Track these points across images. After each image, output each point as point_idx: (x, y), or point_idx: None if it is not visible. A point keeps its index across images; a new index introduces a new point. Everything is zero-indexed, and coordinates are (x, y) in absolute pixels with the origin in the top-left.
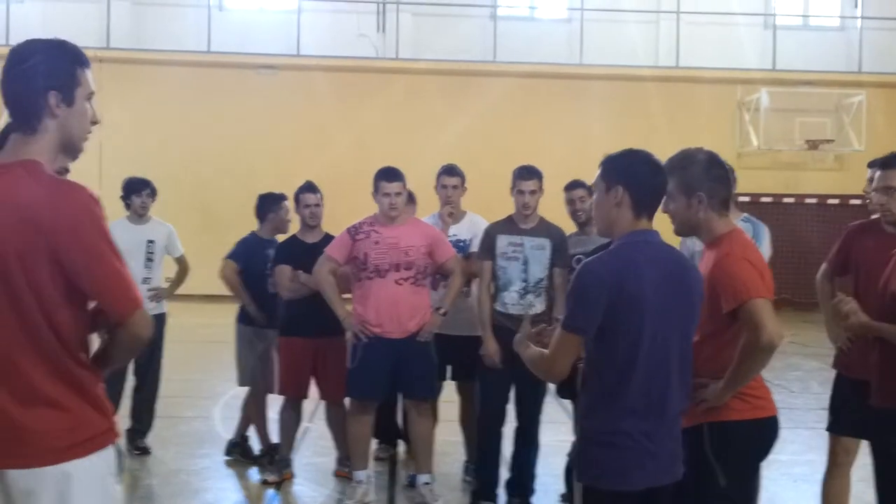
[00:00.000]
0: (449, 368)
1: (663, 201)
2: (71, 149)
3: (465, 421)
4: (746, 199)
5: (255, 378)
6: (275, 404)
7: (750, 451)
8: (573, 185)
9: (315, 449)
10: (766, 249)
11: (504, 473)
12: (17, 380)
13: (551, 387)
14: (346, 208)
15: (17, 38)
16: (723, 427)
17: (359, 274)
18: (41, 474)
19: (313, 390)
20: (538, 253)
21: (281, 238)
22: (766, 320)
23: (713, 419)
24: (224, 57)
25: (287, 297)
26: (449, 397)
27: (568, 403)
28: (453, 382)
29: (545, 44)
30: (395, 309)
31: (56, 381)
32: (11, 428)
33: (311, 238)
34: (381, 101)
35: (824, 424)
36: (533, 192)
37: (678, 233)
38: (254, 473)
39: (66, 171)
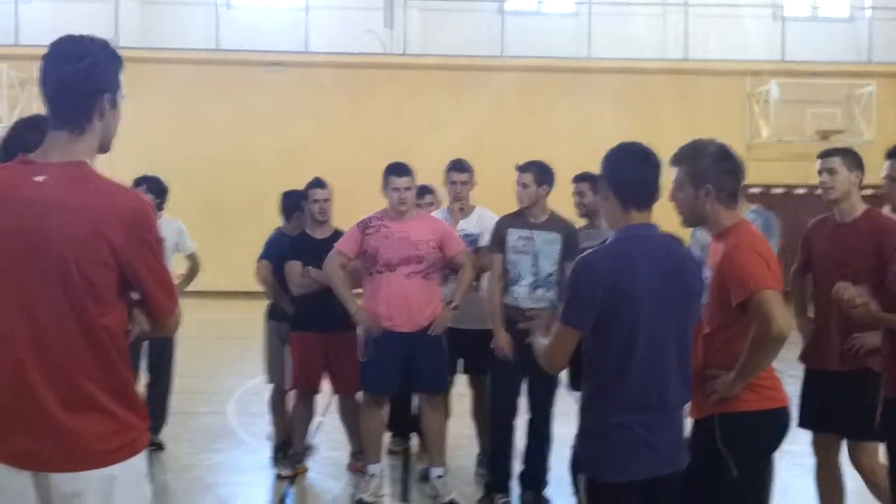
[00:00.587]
0: (461, 362)
1: (671, 191)
2: (105, 148)
3: (478, 414)
4: (757, 190)
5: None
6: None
7: (761, 441)
8: (580, 178)
9: (328, 443)
10: (775, 240)
11: (517, 466)
12: (70, 385)
13: (563, 378)
14: (354, 203)
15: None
16: (734, 418)
17: (369, 268)
18: (87, 477)
19: (326, 384)
20: (548, 247)
21: None
22: (775, 311)
23: (724, 410)
24: (232, 54)
25: (297, 293)
26: (461, 391)
27: (580, 396)
28: (465, 376)
29: (553, 38)
30: (405, 303)
31: (106, 385)
32: (59, 433)
33: (321, 234)
34: (388, 96)
35: None
36: (525, 186)
37: (685, 224)
38: (267, 468)
39: None
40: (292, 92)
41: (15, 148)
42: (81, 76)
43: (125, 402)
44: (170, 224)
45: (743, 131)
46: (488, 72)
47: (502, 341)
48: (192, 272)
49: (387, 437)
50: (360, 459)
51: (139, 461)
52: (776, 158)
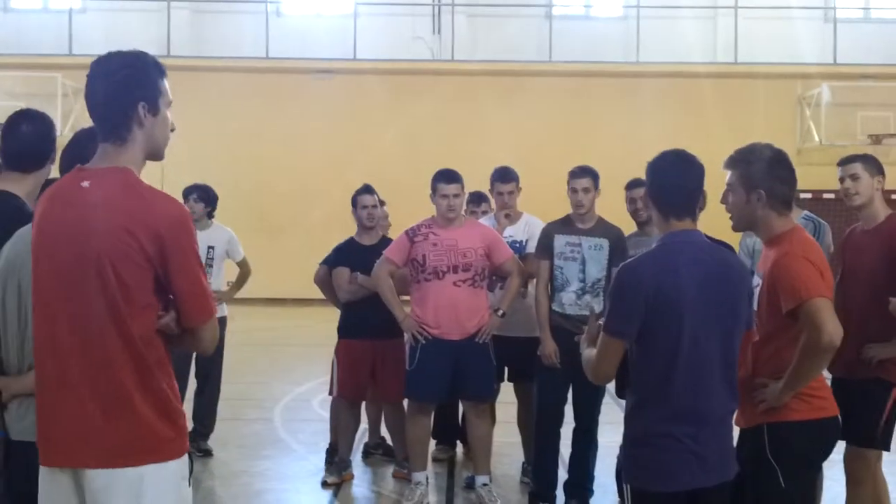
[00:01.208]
0: (506, 370)
1: (722, 193)
2: (155, 156)
3: (523, 422)
4: (808, 195)
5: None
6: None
7: (810, 451)
8: (634, 184)
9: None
10: (826, 247)
11: (562, 474)
12: (108, 386)
13: (610, 387)
14: (401, 210)
15: (79, 48)
16: (782, 427)
17: (417, 276)
18: (116, 475)
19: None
20: (596, 253)
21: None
22: (825, 320)
23: (773, 420)
24: (282, 62)
25: (345, 300)
26: (506, 398)
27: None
28: (510, 384)
29: (601, 42)
30: (453, 311)
31: (140, 390)
32: (94, 431)
33: (369, 240)
34: (436, 102)
35: None
36: (586, 191)
37: (735, 228)
38: (314, 475)
39: None
40: (340, 99)
41: (75, 158)
42: (113, 90)
43: (159, 408)
44: (221, 232)
45: (793, 136)
46: (536, 77)
47: (549, 349)
48: (242, 279)
49: (432, 444)
50: (404, 467)
51: (177, 465)
52: (827, 163)
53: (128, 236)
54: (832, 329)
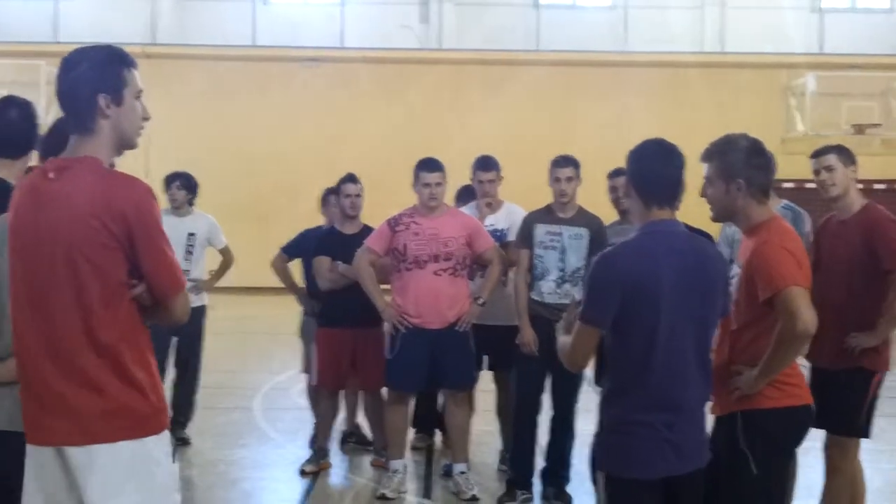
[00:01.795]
0: (485, 358)
1: (702, 186)
2: (125, 144)
3: (502, 410)
4: (791, 185)
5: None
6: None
7: (782, 439)
8: (616, 173)
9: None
10: (806, 236)
11: (540, 462)
12: (81, 364)
13: (588, 375)
14: (388, 199)
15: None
16: (755, 415)
17: (398, 265)
18: (95, 451)
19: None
20: (576, 242)
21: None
22: (801, 309)
23: (746, 407)
24: (268, 50)
25: (326, 288)
26: (485, 387)
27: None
28: (489, 372)
29: (588, 31)
30: (434, 300)
31: (114, 367)
32: (67, 409)
33: (350, 229)
34: (423, 91)
35: None
36: (569, 180)
37: (715, 218)
38: (292, 464)
39: (112, 165)
40: (327, 87)
41: (53, 145)
42: (73, 83)
43: (135, 385)
44: (201, 219)
45: (778, 125)
46: (523, 66)
47: (528, 337)
48: (225, 266)
49: (411, 433)
50: (383, 455)
51: (156, 441)
52: (811, 153)
53: (94, 220)
54: (807, 317)
